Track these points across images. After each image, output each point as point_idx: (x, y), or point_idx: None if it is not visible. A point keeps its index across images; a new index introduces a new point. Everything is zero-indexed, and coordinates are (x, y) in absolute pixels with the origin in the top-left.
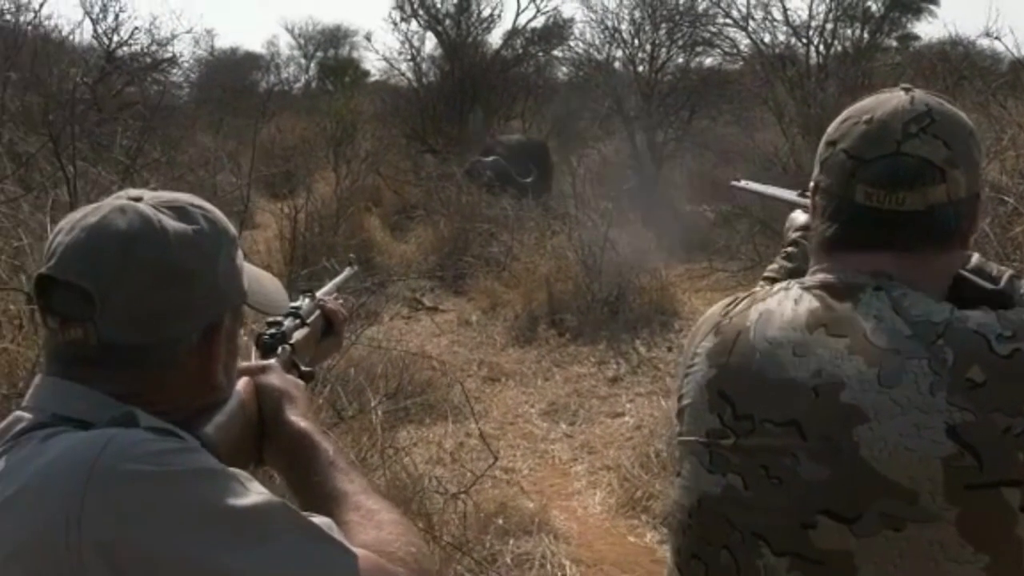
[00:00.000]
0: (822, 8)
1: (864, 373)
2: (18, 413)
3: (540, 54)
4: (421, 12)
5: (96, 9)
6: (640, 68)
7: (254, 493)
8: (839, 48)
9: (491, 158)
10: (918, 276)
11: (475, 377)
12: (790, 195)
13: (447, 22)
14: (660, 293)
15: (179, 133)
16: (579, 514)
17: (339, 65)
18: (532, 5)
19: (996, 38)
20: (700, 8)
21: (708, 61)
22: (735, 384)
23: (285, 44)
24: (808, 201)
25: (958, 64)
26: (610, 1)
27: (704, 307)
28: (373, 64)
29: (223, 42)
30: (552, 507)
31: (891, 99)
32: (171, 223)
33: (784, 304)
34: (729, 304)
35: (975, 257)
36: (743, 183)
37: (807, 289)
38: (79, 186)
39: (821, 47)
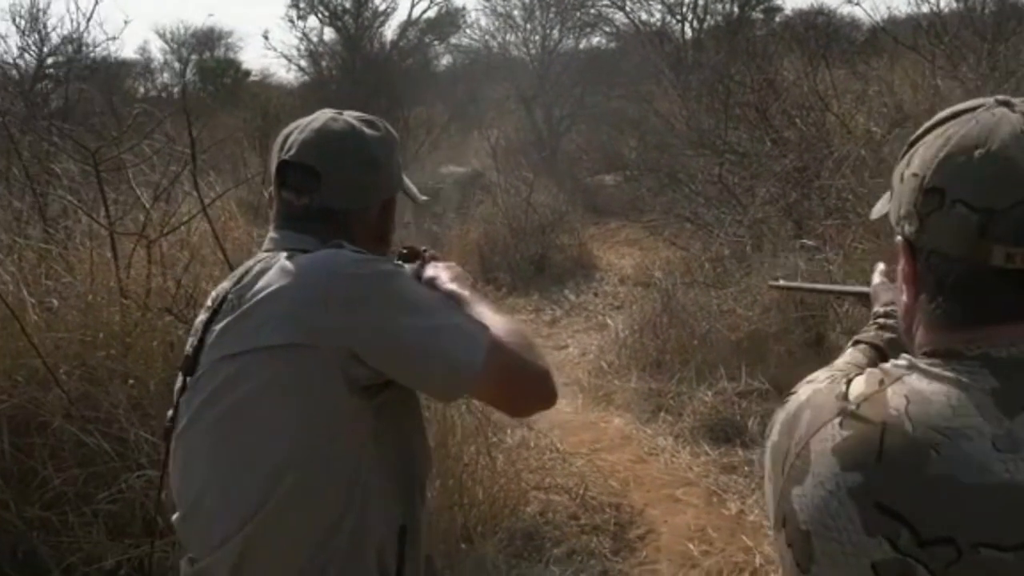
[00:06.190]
0: None
1: None
2: (260, 255)
3: (436, 43)
4: (321, 8)
5: (24, 23)
6: (533, 51)
7: (425, 288)
8: (711, 22)
9: None
10: None
11: None
12: (851, 288)
13: (346, 17)
14: (579, 249)
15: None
16: (553, 416)
17: (219, 67)
18: None
19: (856, 3)
20: None
21: (595, 41)
22: (904, 495)
23: (157, 49)
24: (869, 290)
25: (824, 30)
26: None
27: (618, 260)
28: (259, 63)
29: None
30: None
31: (1000, 121)
32: (367, 129)
33: (936, 384)
34: (835, 383)
35: None
36: (782, 282)
37: (961, 366)
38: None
39: (695, 23)
